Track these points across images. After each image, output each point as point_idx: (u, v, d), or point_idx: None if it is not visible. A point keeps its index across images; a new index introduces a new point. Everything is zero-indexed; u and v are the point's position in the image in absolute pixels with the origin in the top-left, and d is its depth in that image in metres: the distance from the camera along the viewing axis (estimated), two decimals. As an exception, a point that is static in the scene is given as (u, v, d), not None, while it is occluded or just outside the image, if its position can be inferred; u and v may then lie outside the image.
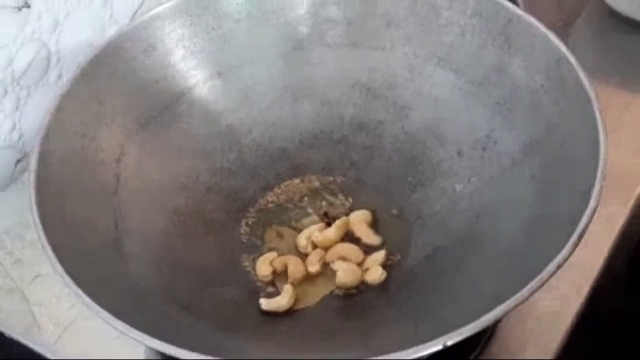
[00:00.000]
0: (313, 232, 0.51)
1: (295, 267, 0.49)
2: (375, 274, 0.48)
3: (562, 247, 0.37)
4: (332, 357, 0.35)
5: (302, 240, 0.51)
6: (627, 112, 0.59)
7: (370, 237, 0.50)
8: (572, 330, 0.48)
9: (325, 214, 0.52)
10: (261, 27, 0.54)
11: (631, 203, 0.54)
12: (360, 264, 0.49)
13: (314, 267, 0.49)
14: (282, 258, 0.50)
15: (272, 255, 0.50)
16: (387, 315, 0.45)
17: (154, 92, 0.53)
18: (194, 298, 0.46)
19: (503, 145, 0.48)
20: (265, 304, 0.47)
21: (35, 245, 0.55)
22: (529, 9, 0.65)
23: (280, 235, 0.52)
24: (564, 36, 0.65)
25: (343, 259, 0.49)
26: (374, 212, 0.52)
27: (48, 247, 0.41)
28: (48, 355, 0.51)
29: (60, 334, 0.52)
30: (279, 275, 0.49)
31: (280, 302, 0.47)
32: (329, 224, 0.51)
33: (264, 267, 0.49)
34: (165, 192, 0.51)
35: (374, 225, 0.51)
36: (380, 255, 0.49)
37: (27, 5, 0.55)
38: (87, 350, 0.51)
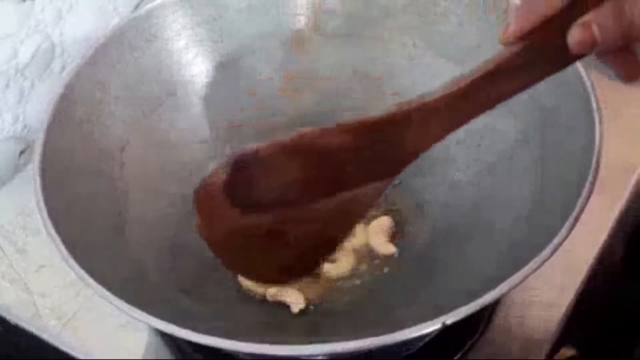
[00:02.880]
0: None
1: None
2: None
3: (558, 231, 0.38)
4: (331, 340, 0.36)
5: None
6: (625, 103, 0.59)
7: (385, 247, 0.50)
8: (569, 317, 0.49)
9: None
10: (262, 18, 0.55)
11: (628, 191, 0.54)
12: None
13: None
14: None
15: None
16: (388, 301, 0.46)
17: (157, 82, 0.53)
18: (195, 283, 0.46)
19: (501, 133, 0.49)
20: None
21: (38, 235, 0.56)
22: None
23: None
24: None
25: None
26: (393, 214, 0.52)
27: (53, 232, 0.41)
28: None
29: (63, 325, 0.52)
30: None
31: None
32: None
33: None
34: (167, 180, 0.51)
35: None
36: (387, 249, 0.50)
37: (31, -3, 0.56)
38: (89, 340, 0.51)
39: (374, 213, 0.51)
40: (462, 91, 0.34)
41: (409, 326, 0.35)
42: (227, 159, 0.35)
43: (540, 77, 0.35)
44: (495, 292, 0.36)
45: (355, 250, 0.50)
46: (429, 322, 0.35)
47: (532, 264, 0.37)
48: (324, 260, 0.40)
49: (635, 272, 0.59)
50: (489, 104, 0.35)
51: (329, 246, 0.38)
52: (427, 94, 0.34)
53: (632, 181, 0.55)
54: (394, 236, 0.50)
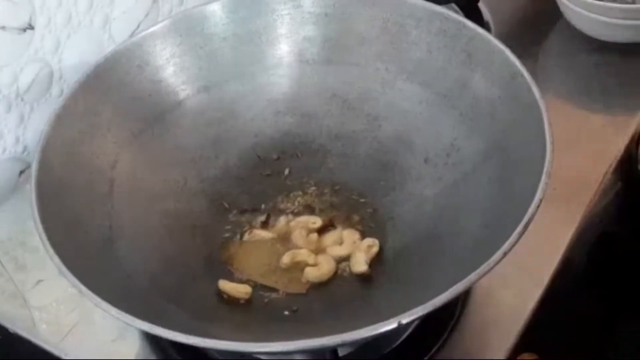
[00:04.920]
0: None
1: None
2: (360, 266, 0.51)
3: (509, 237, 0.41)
4: (300, 340, 0.38)
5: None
6: (586, 125, 0.62)
7: (359, 267, 0.52)
8: (532, 323, 0.51)
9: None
10: (245, 45, 0.58)
11: (586, 205, 0.56)
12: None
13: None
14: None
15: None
16: (356, 305, 0.49)
17: (146, 105, 0.56)
18: (180, 292, 0.48)
19: (465, 152, 0.52)
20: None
21: (37, 251, 0.57)
22: (499, 30, 0.70)
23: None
24: (532, 55, 0.69)
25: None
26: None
27: (48, 244, 0.43)
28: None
29: (61, 338, 0.54)
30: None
31: None
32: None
33: (240, 289, 0.51)
34: (155, 196, 0.54)
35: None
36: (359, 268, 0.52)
37: (31, 27, 0.58)
38: (85, 353, 0.53)
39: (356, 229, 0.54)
40: None
41: (366, 325, 0.37)
42: None
43: None
44: (445, 296, 0.38)
45: (336, 259, 0.52)
46: (385, 322, 0.38)
47: (482, 268, 0.40)
48: None
49: (596, 283, 0.61)
50: None
51: None
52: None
53: (591, 195, 0.57)
54: (375, 259, 0.52)
